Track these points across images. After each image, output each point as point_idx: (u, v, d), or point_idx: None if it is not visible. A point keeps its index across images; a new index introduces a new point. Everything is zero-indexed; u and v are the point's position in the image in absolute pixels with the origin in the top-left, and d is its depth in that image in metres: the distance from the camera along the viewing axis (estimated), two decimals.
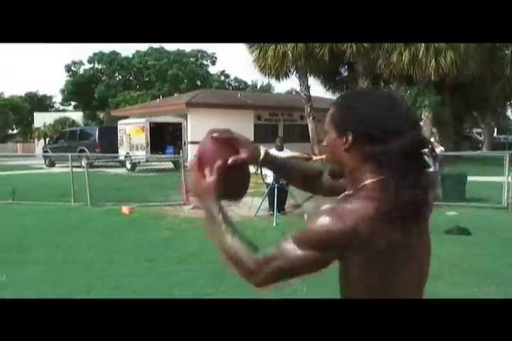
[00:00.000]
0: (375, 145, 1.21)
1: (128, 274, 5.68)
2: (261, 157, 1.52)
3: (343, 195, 1.32)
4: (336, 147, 1.30)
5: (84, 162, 11.77)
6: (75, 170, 11.74)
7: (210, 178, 1.39)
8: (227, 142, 1.43)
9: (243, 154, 1.45)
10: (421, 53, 20.11)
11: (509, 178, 10.36)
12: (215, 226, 1.40)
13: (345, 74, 26.66)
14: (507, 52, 23.04)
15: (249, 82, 55.35)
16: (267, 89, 53.37)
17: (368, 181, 1.24)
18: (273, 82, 47.93)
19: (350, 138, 1.25)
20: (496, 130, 42.81)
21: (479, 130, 42.11)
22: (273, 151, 9.94)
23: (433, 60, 20.05)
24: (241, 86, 53.37)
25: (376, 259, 1.20)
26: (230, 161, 1.40)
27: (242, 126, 26.03)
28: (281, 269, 1.26)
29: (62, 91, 49.11)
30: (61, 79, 71.80)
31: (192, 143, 23.34)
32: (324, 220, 1.19)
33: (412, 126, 1.23)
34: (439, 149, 11.31)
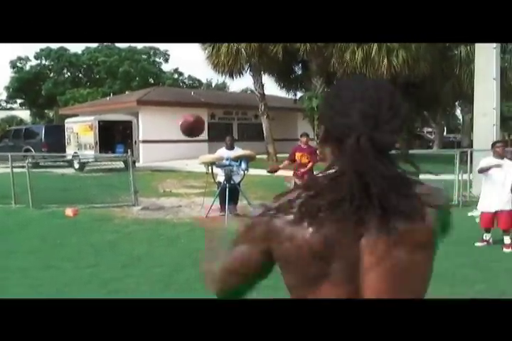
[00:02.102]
0: (331, 142, 1.17)
1: (67, 282, 5.31)
2: None
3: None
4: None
5: (26, 162, 11.17)
6: (20, 170, 11.16)
7: None
8: None
9: None
10: (374, 52, 20.28)
11: (459, 176, 10.46)
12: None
13: (299, 72, 26.69)
14: (456, 52, 23.54)
15: (204, 81, 54.90)
16: (222, 87, 53.04)
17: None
18: (228, 80, 47.58)
19: (322, 132, 1.21)
20: (445, 129, 44.03)
21: (430, 129, 43.20)
22: (222, 150, 9.70)
23: (385, 59, 20.26)
24: (195, 84, 52.78)
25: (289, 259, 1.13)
26: None
27: None
28: (222, 269, 1.26)
29: (7, 88, 47.28)
30: (6, 75, 69.30)
31: (143, 142, 22.84)
32: (254, 215, 1.20)
33: (373, 125, 1.08)
34: None
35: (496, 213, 6.74)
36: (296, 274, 1.14)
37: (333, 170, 1.12)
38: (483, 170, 6.89)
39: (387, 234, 1.08)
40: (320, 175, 1.15)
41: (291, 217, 1.11)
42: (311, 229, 1.09)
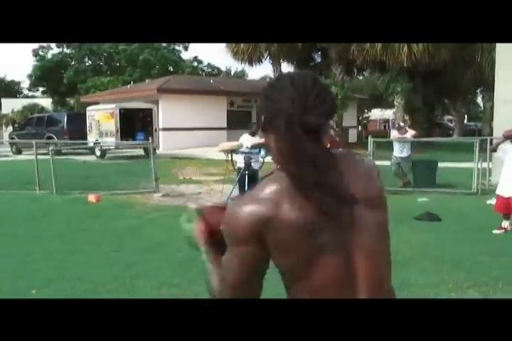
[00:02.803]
0: (269, 130, 1.28)
1: (91, 265, 5.47)
2: None
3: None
4: None
5: (50, 149, 11.40)
6: (42, 157, 11.39)
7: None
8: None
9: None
10: None
11: (479, 164, 10.42)
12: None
13: (319, 60, 26.55)
14: None
15: (223, 69, 54.84)
16: (241, 75, 52.95)
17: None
18: (247, 68, 47.46)
19: (262, 121, 1.31)
20: (466, 117, 43.44)
21: (450, 117, 42.66)
22: (246, 136, 9.80)
23: (405, 47, 20.06)
24: (214, 72, 52.76)
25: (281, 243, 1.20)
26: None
27: (215, 112, 25.82)
28: (223, 278, 1.28)
29: (30, 76, 47.79)
30: (29, 64, 70.11)
31: (163, 129, 23.04)
32: (232, 209, 1.25)
33: (302, 109, 1.22)
34: (412, 133, 11.27)
35: (510, 198, 6.74)
36: (291, 256, 1.20)
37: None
38: (495, 148, 7.15)
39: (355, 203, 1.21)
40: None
41: (268, 204, 1.20)
42: (294, 211, 1.19)
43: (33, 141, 12.05)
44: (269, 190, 1.23)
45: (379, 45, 20.24)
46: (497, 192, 7.07)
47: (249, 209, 1.21)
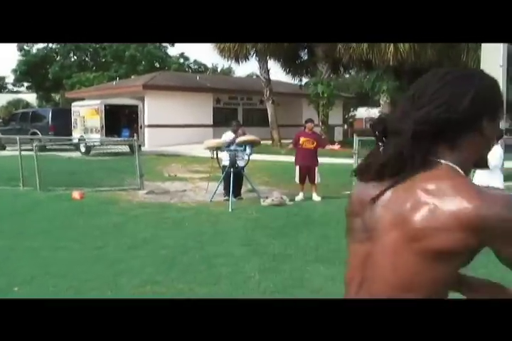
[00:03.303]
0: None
1: (75, 262, 5.47)
2: None
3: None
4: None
5: (34, 145, 11.31)
6: (26, 153, 11.30)
7: None
8: None
9: None
10: None
11: None
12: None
13: (305, 58, 26.58)
14: None
15: (210, 65, 54.67)
16: (228, 72, 52.82)
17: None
18: (233, 65, 47.30)
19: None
20: None
21: None
22: (229, 134, 9.82)
23: (391, 46, 20.17)
24: (201, 69, 52.57)
25: None
26: None
27: (201, 109, 25.77)
28: None
29: (15, 71, 47.23)
30: (13, 58, 69.18)
31: (149, 126, 22.95)
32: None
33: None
34: None
35: None
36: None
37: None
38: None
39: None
40: None
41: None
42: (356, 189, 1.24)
43: (17, 137, 11.94)
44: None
45: (365, 44, 20.32)
46: None
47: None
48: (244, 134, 9.75)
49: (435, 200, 1.05)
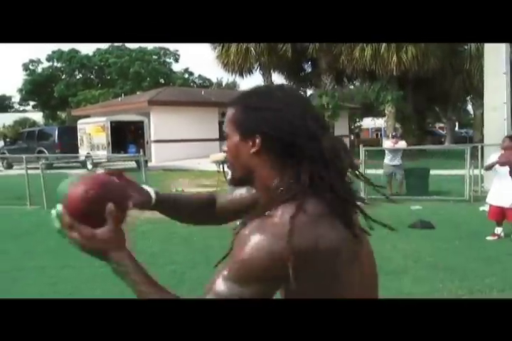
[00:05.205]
0: (287, 149, 1.10)
1: (83, 280, 5.41)
2: (153, 199, 1.34)
3: (259, 206, 1.15)
4: (240, 151, 1.15)
5: (40, 163, 11.33)
6: (33, 172, 11.32)
7: (106, 228, 1.11)
8: (115, 181, 1.20)
9: (138, 196, 1.27)
10: (383, 49, 20.26)
11: (471, 171, 10.45)
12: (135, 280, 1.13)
13: (309, 70, 26.72)
14: (466, 47, 23.40)
15: (214, 80, 55.02)
16: (232, 86, 53.11)
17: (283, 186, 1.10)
18: (238, 79, 47.69)
19: (257, 141, 1.12)
20: (457, 124, 43.74)
21: (441, 124, 42.93)
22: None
23: (394, 56, 20.23)
24: (205, 84, 52.92)
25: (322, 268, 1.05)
26: (130, 205, 1.18)
27: (207, 124, 25.84)
28: None
29: (20, 90, 47.75)
30: (19, 78, 70.06)
31: (155, 141, 23.01)
32: (258, 240, 1.01)
33: (324, 131, 1.14)
34: (402, 144, 11.33)
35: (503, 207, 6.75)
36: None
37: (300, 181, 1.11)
38: (489, 168, 6.99)
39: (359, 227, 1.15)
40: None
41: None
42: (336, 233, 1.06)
43: (23, 156, 11.97)
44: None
45: (368, 54, 20.39)
46: (487, 200, 7.09)
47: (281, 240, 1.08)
48: None
49: None
